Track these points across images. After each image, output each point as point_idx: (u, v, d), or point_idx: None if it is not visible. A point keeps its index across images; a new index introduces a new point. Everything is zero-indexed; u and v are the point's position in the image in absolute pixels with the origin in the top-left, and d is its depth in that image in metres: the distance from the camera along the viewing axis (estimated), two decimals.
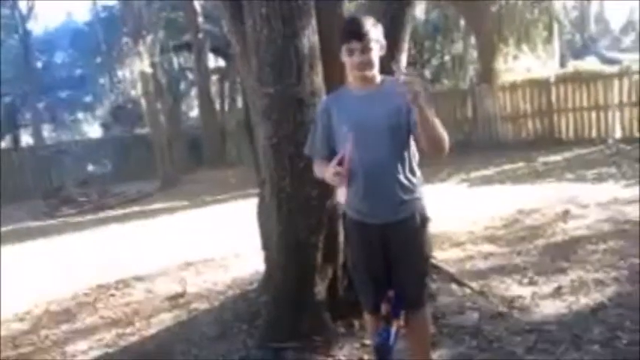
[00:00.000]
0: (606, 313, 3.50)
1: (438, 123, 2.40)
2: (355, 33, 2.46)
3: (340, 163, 2.40)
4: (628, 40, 28.84)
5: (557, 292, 3.93)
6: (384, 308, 2.61)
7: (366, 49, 2.45)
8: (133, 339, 4.30)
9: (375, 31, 2.49)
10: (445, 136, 2.43)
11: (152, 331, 4.40)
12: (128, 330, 4.51)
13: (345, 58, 2.52)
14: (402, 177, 2.52)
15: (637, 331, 3.20)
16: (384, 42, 2.54)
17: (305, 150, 2.77)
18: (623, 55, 22.29)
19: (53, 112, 26.64)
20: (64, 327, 4.85)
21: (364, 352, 3.34)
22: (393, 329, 2.59)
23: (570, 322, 3.45)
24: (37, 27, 26.13)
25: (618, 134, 11.49)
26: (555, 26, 17.32)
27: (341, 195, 2.48)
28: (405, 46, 3.85)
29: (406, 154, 2.53)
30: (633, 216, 5.58)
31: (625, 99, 11.46)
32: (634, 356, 2.96)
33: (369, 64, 2.49)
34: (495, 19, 14.64)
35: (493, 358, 3.14)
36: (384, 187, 2.50)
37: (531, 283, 4.19)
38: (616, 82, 11.60)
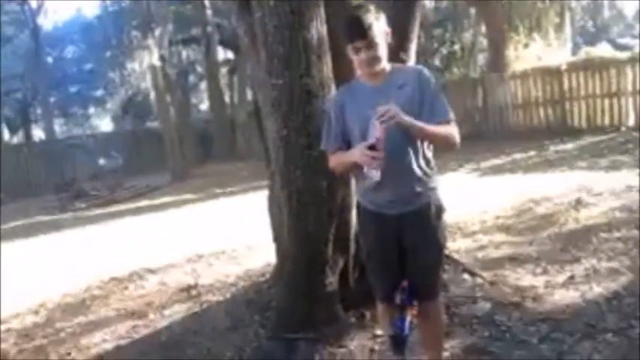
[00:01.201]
0: (620, 302, 3.47)
1: (435, 128, 2.42)
2: (358, 32, 2.42)
3: (371, 148, 2.31)
4: None
5: (570, 282, 3.90)
6: (399, 298, 2.61)
7: (371, 45, 2.41)
8: (146, 331, 4.34)
9: (377, 24, 2.43)
10: (451, 132, 2.47)
11: (165, 323, 4.43)
12: (141, 322, 4.54)
13: (352, 56, 2.49)
14: (416, 167, 2.49)
15: None
16: (388, 30, 2.50)
17: (322, 145, 2.70)
18: (636, 41, 22.00)
19: (64, 107, 26.82)
20: (78, 319, 4.90)
21: (375, 343, 3.34)
22: (408, 318, 2.59)
23: (584, 311, 3.43)
24: (47, 22, 26.16)
25: (631, 121, 11.37)
26: (567, 13, 17.15)
27: (375, 174, 2.37)
28: (415, 35, 3.81)
29: (420, 143, 2.50)
30: None
31: (638, 86, 11.30)
32: None
33: (376, 59, 2.45)
34: (506, 6, 14.51)
35: (506, 348, 3.13)
36: (400, 177, 2.47)
37: (544, 272, 4.16)
38: (629, 69, 11.46)
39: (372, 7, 2.49)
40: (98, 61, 24.51)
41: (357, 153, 2.38)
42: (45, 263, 7.43)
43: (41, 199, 15.13)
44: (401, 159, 2.47)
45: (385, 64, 2.50)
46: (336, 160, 2.62)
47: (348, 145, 2.55)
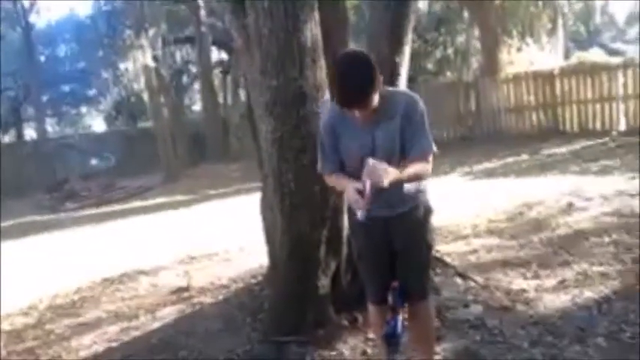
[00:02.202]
0: (611, 306, 3.49)
1: (413, 171, 2.44)
2: (355, 103, 2.35)
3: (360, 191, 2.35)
4: (633, 32, 28.64)
5: (562, 285, 3.92)
6: (391, 298, 2.62)
7: (366, 109, 2.38)
8: (137, 333, 4.32)
9: (373, 82, 2.32)
10: (426, 169, 2.51)
11: (156, 325, 4.41)
12: (132, 324, 4.52)
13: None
14: (406, 184, 2.53)
15: None
16: (379, 75, 2.36)
17: (318, 168, 2.67)
18: (627, 46, 22.17)
19: (56, 106, 26.68)
20: (69, 321, 4.87)
21: (368, 346, 3.34)
22: (400, 318, 2.60)
23: (574, 315, 3.45)
24: (39, 20, 26.04)
25: (623, 126, 11.44)
26: (559, 17, 17.24)
27: (360, 214, 2.41)
28: (409, 38, 3.82)
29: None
30: (638, 208, 5.56)
31: (630, 91, 11.39)
32: (638, 349, 2.96)
33: (368, 111, 2.41)
34: (499, 10, 14.57)
35: (497, 352, 3.14)
36: (390, 193, 2.46)
37: (535, 276, 4.18)
38: (620, 74, 11.54)
39: (365, 57, 2.36)
40: (91, 60, 24.40)
41: (348, 190, 2.40)
42: (35, 264, 7.38)
43: (32, 199, 15.03)
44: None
45: (376, 99, 2.41)
46: (333, 182, 2.65)
47: (343, 164, 2.58)
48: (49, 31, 26.11)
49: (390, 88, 2.66)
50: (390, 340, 2.60)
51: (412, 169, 2.45)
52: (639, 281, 3.77)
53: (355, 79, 2.30)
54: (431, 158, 2.53)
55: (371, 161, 2.30)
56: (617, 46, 23.45)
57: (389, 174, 2.29)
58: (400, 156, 2.50)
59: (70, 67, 26.49)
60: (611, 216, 5.51)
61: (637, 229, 4.87)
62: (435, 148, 2.53)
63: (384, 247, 2.66)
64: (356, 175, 2.42)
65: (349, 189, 2.38)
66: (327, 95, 3.31)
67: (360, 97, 2.32)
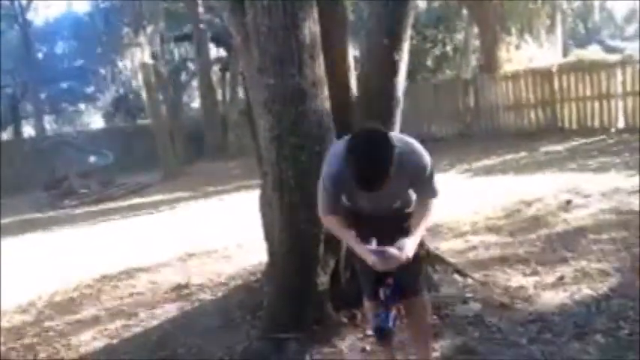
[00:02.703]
0: (609, 303, 3.50)
1: (422, 230, 2.57)
2: (374, 188, 2.31)
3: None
4: (631, 29, 28.65)
5: (560, 283, 3.93)
6: (382, 293, 2.62)
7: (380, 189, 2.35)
8: (137, 330, 4.32)
9: (393, 164, 2.25)
10: (430, 216, 2.60)
11: (155, 322, 4.41)
12: (132, 321, 4.52)
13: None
14: (404, 223, 2.61)
15: (639, 321, 3.20)
16: (392, 164, 2.28)
17: (319, 213, 2.64)
18: (626, 43, 22.17)
19: (54, 103, 26.63)
20: (68, 318, 4.87)
21: (366, 343, 3.35)
22: (392, 313, 2.59)
23: (573, 312, 3.46)
24: (37, 17, 26.00)
25: (621, 124, 11.45)
26: (558, 15, 17.24)
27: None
28: (407, 35, 3.82)
29: (409, 207, 2.67)
30: (636, 206, 5.56)
31: (628, 88, 11.39)
32: (637, 346, 2.97)
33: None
34: (498, 8, 14.56)
35: (496, 349, 3.15)
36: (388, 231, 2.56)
37: (534, 273, 4.19)
38: (619, 71, 11.54)
39: (384, 137, 2.29)
40: (89, 57, 24.37)
41: (364, 254, 2.48)
42: (34, 261, 7.38)
43: (31, 196, 15.01)
44: (390, 218, 2.64)
45: None
46: (333, 228, 2.64)
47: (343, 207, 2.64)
48: (46, 29, 26.06)
49: (398, 144, 2.36)
50: (379, 333, 2.59)
51: (422, 223, 2.56)
52: (639, 278, 3.78)
53: (376, 165, 2.24)
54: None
55: (386, 253, 2.41)
56: (616, 43, 23.42)
57: (404, 254, 2.41)
58: (404, 200, 2.64)
59: (68, 64, 26.44)
60: (609, 213, 5.52)
61: (635, 226, 4.88)
62: (439, 194, 2.60)
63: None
64: (355, 212, 2.60)
65: (364, 254, 2.48)
66: (325, 93, 3.32)
67: (381, 180, 2.27)
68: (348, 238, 2.57)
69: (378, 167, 2.24)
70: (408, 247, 2.44)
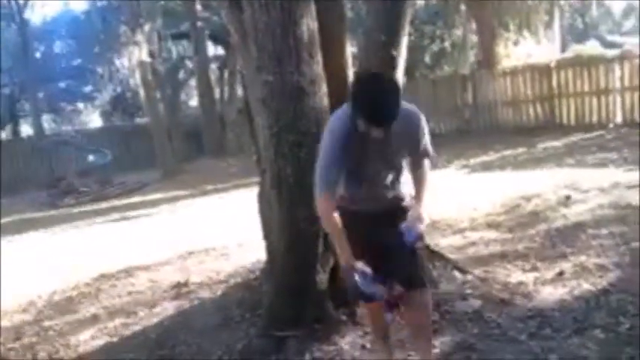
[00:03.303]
0: (608, 299, 3.50)
1: (425, 192, 2.64)
2: (380, 123, 2.34)
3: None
4: (629, 24, 28.65)
5: (559, 278, 3.93)
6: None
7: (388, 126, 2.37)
8: (136, 328, 4.32)
9: (396, 105, 2.34)
10: (429, 176, 2.70)
11: (155, 320, 4.41)
12: (131, 319, 4.52)
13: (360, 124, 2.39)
14: (396, 185, 2.68)
15: (639, 315, 3.21)
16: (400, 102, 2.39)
17: (319, 188, 2.52)
18: (624, 38, 22.15)
19: (52, 102, 26.52)
20: (67, 317, 4.87)
21: (366, 340, 3.34)
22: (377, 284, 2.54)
23: (572, 307, 3.46)
24: (34, 16, 25.88)
25: (619, 119, 11.45)
26: (556, 10, 17.22)
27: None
28: (406, 31, 3.82)
29: (403, 169, 2.70)
30: (634, 201, 5.57)
31: (626, 83, 11.38)
32: (636, 341, 2.97)
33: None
34: (496, 4, 14.55)
35: (495, 345, 3.15)
36: (380, 195, 2.66)
37: (533, 269, 4.19)
38: (617, 67, 11.53)
39: (390, 76, 2.48)
40: (87, 56, 24.29)
41: (345, 264, 2.54)
42: (33, 261, 7.37)
43: (30, 195, 14.99)
44: (384, 183, 2.65)
45: None
46: (327, 218, 2.55)
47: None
48: (44, 28, 25.95)
49: None
50: (354, 293, 2.52)
51: (424, 187, 2.64)
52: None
53: (387, 97, 2.33)
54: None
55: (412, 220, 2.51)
56: (614, 38, 23.41)
57: (421, 221, 2.53)
58: (404, 160, 2.67)
59: (65, 63, 26.33)
60: (608, 208, 5.52)
61: (634, 221, 4.89)
62: (432, 154, 2.72)
63: (375, 238, 2.66)
64: (352, 188, 2.60)
65: (347, 262, 2.51)
66: (323, 90, 3.31)
67: (393, 110, 2.33)
68: (336, 234, 2.54)
69: (390, 95, 2.32)
70: (421, 213, 2.54)
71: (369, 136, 2.42)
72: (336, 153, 2.49)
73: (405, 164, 2.71)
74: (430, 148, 2.69)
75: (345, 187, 2.61)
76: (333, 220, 2.52)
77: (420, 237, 2.59)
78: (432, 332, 3.03)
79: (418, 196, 2.64)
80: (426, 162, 2.70)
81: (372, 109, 2.32)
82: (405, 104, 2.51)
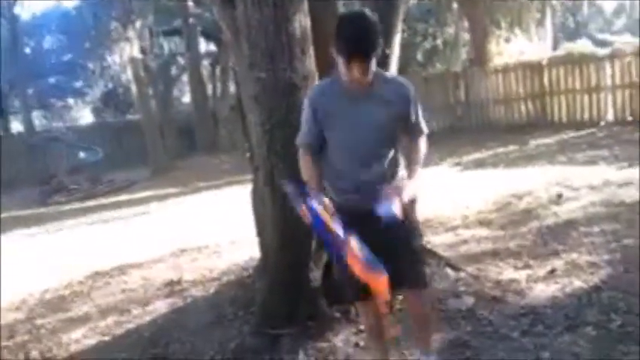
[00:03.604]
0: (600, 296, 3.51)
1: (418, 167, 2.53)
2: (360, 50, 2.30)
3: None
4: (620, 23, 28.84)
5: (551, 275, 3.95)
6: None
7: (369, 62, 2.32)
8: (129, 326, 4.31)
9: (377, 38, 2.32)
10: (423, 153, 2.61)
11: (148, 318, 4.40)
12: (124, 317, 4.51)
13: (340, 63, 2.36)
14: (387, 170, 2.54)
15: (631, 313, 3.23)
16: (381, 40, 2.36)
17: (297, 140, 2.66)
18: (614, 37, 22.29)
19: (43, 98, 26.34)
20: (60, 315, 4.85)
21: (360, 338, 3.35)
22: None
23: (564, 304, 3.47)
24: (24, 12, 25.69)
25: (610, 116, 11.52)
26: (548, 9, 17.28)
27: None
28: (398, 29, 3.82)
29: (392, 148, 2.56)
30: (626, 198, 5.61)
31: (617, 81, 11.45)
32: (627, 338, 2.99)
33: (368, 74, 2.37)
34: (487, 1, 14.58)
35: (488, 342, 3.16)
36: (369, 181, 2.48)
37: (525, 266, 4.21)
38: (608, 65, 11.60)
39: (369, 13, 2.39)
40: (77, 52, 24.12)
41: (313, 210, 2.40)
42: (26, 258, 7.33)
43: (20, 192, 14.90)
44: (373, 165, 2.51)
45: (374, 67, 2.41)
46: (303, 165, 2.62)
47: (324, 141, 2.56)
48: (34, 23, 25.75)
49: (382, 73, 2.56)
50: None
51: (416, 164, 2.53)
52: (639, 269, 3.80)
53: (364, 27, 2.31)
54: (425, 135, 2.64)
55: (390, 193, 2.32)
56: (605, 37, 23.54)
57: (399, 194, 2.34)
58: (395, 132, 2.53)
59: (56, 58, 26.15)
60: (599, 206, 5.55)
61: (626, 218, 4.92)
62: (426, 131, 2.65)
63: (372, 236, 2.63)
64: (337, 161, 2.52)
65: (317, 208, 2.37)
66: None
67: (373, 41, 2.30)
68: (311, 181, 2.53)
69: (369, 26, 2.31)
70: (400, 186, 2.42)
71: (351, 91, 2.42)
72: (311, 114, 2.53)
73: (400, 151, 2.60)
74: (423, 125, 2.61)
75: (329, 164, 2.57)
76: (307, 165, 2.59)
77: (399, 213, 2.30)
78: (432, 328, 2.98)
79: (408, 174, 2.54)
80: (421, 141, 2.61)
81: (352, 38, 2.29)
82: (395, 76, 2.57)
